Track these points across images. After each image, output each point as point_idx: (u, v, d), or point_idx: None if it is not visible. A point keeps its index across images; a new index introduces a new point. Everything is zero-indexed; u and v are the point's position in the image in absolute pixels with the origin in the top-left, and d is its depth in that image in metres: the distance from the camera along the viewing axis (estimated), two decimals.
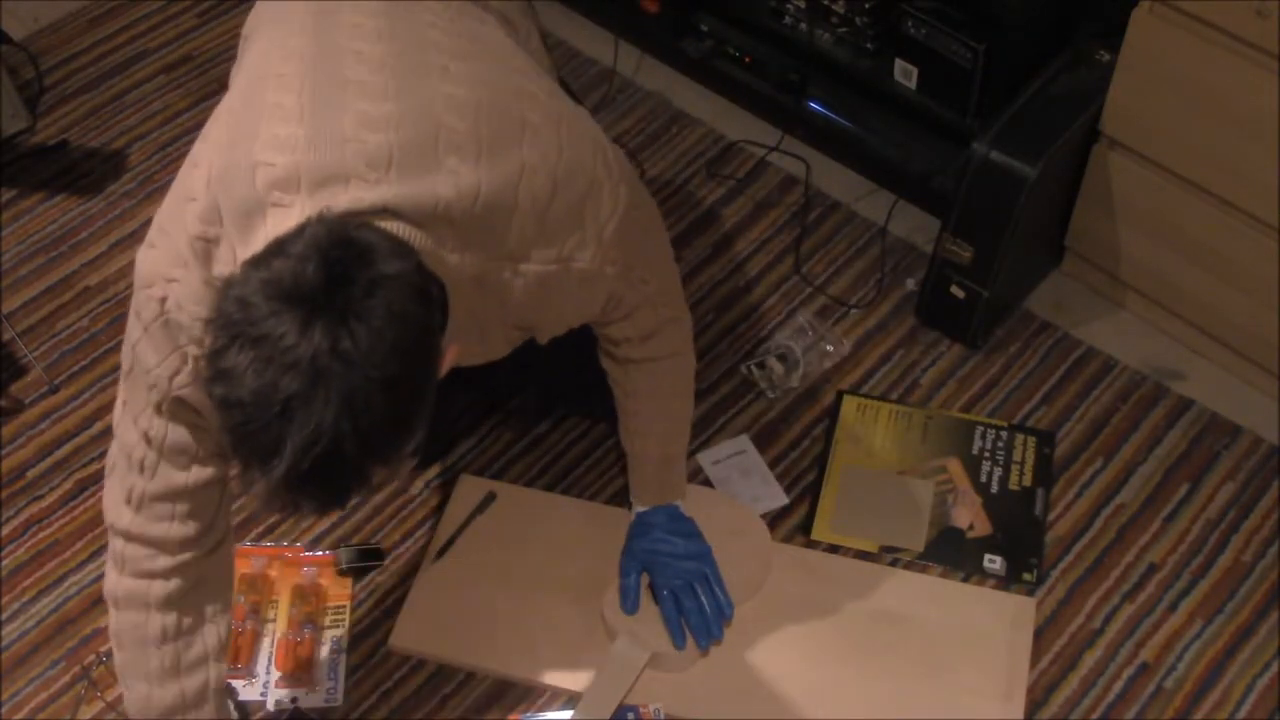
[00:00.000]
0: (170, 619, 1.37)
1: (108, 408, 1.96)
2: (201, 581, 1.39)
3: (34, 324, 2.08)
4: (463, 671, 1.69)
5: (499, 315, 1.31)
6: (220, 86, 2.39)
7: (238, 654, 1.68)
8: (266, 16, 1.41)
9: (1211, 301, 1.87)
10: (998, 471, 1.83)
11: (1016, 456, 1.85)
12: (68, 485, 1.89)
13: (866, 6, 1.97)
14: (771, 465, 1.86)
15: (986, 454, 1.85)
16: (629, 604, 1.65)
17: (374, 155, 1.17)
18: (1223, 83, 1.65)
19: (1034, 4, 1.84)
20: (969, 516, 1.79)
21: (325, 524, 1.83)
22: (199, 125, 2.33)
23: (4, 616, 1.76)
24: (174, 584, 1.36)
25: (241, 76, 1.35)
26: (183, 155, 2.26)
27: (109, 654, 1.70)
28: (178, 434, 1.29)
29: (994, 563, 1.75)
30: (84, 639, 1.74)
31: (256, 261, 1.08)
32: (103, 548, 1.81)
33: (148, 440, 1.29)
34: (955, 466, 1.84)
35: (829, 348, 1.97)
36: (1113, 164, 1.85)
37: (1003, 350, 1.98)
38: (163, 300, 1.22)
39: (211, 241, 1.19)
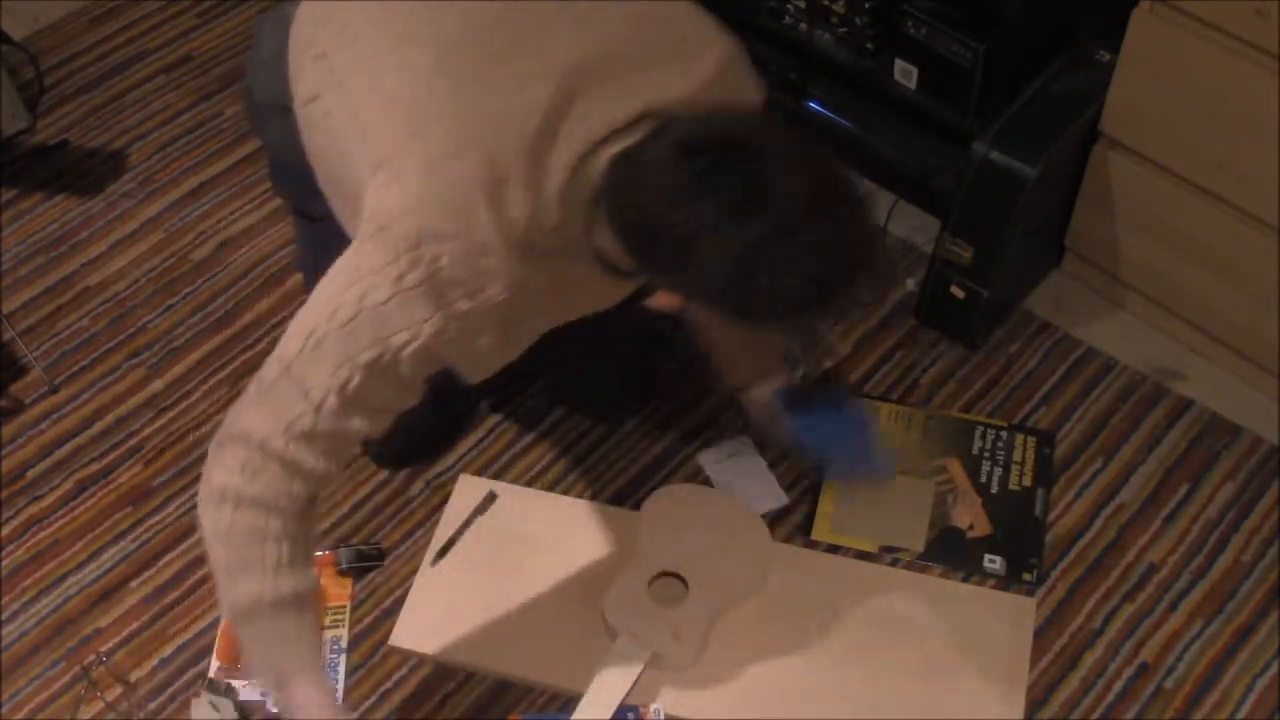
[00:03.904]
0: (291, 524, 1.35)
1: (108, 407, 1.97)
2: (317, 499, 1.40)
3: (34, 324, 2.08)
4: (463, 671, 1.69)
5: None
6: (220, 86, 2.41)
7: (238, 654, 1.68)
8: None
9: (1211, 301, 1.87)
10: (998, 472, 1.83)
11: (1017, 457, 1.85)
12: (68, 485, 1.89)
13: (866, 6, 1.97)
14: (771, 465, 1.86)
15: (986, 454, 1.85)
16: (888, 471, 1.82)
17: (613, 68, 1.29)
18: (1223, 83, 1.65)
19: (1034, 4, 1.84)
20: (969, 517, 1.79)
21: (325, 524, 1.83)
22: (199, 125, 2.37)
23: (4, 616, 1.76)
24: (301, 502, 1.36)
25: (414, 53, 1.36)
26: (183, 155, 2.30)
27: (109, 654, 1.71)
28: (376, 390, 1.30)
29: (994, 562, 1.75)
30: (84, 639, 1.74)
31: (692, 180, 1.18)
32: (102, 548, 1.82)
33: (342, 388, 1.29)
34: (955, 467, 1.84)
35: (829, 347, 1.97)
36: (1113, 164, 1.85)
37: (1003, 350, 1.98)
38: (435, 260, 1.25)
39: (501, 182, 1.25)
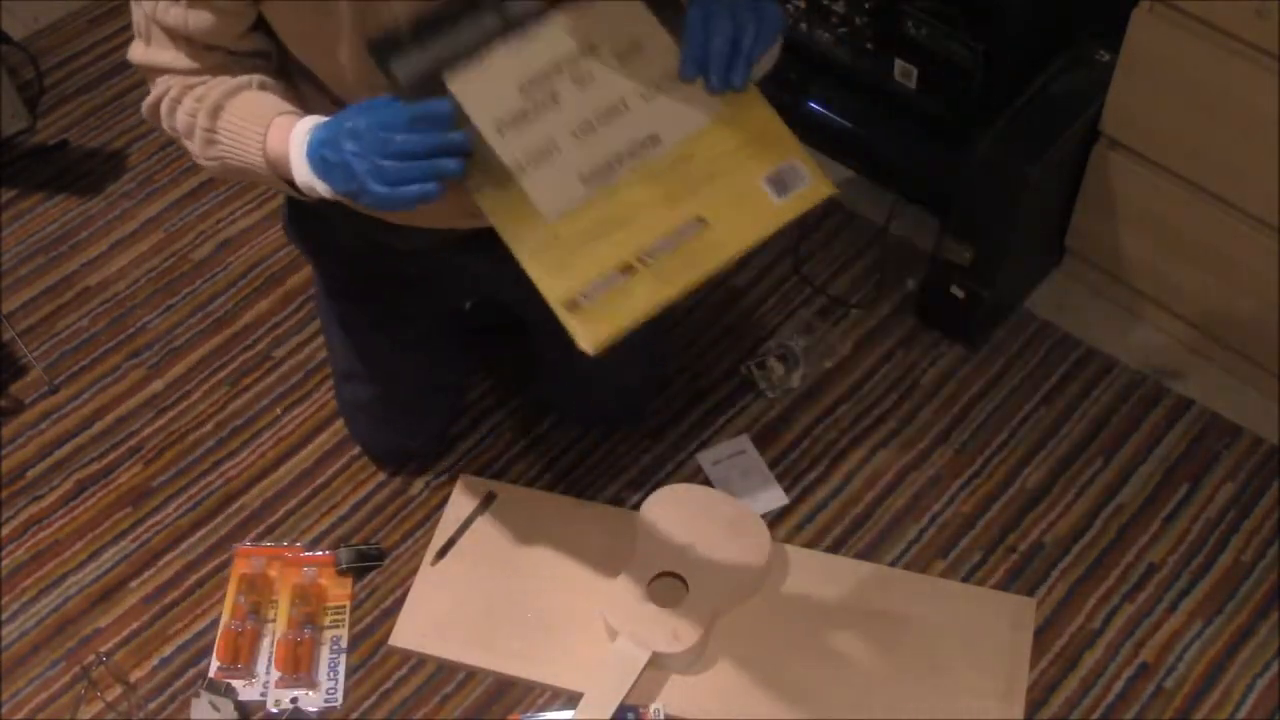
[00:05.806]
0: (182, 82, 1.39)
1: (108, 407, 1.97)
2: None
3: (34, 324, 2.08)
4: (463, 671, 1.69)
5: None
6: None
7: (238, 654, 1.68)
8: None
9: (1211, 301, 1.87)
10: None
11: None
12: (68, 485, 1.89)
13: (866, 6, 1.97)
14: (771, 465, 1.86)
15: None
16: None
17: None
18: (1223, 83, 1.65)
19: (1034, 4, 1.84)
20: None
21: (325, 524, 1.83)
22: None
23: (4, 616, 1.76)
24: (188, 78, 1.39)
25: None
26: (183, 155, 2.28)
27: (109, 654, 1.71)
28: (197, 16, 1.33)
29: None
30: (84, 639, 1.74)
31: None
32: (102, 548, 1.82)
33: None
34: None
35: (829, 347, 1.97)
36: (1113, 164, 1.85)
37: (1003, 350, 1.98)
38: None
39: None
